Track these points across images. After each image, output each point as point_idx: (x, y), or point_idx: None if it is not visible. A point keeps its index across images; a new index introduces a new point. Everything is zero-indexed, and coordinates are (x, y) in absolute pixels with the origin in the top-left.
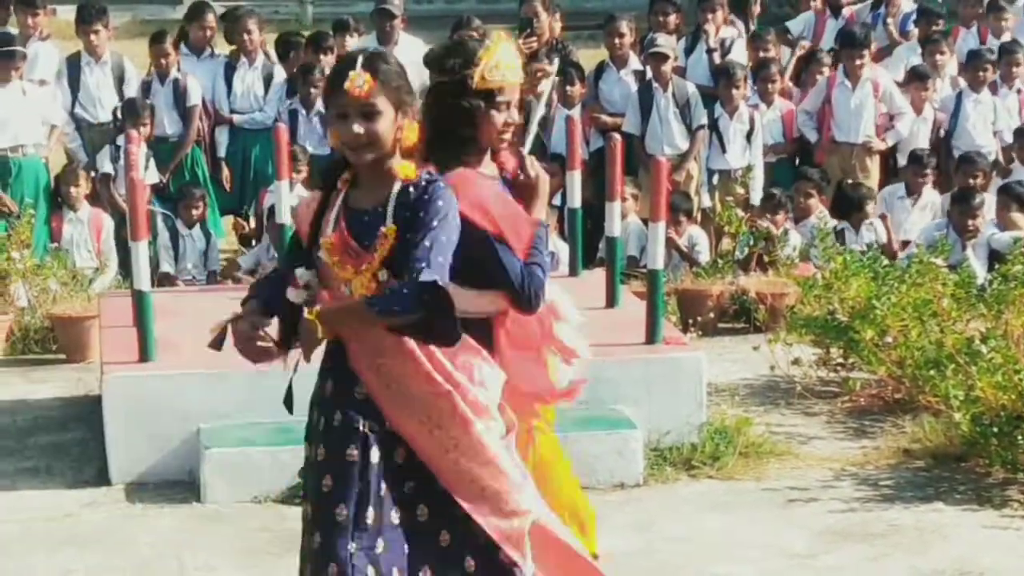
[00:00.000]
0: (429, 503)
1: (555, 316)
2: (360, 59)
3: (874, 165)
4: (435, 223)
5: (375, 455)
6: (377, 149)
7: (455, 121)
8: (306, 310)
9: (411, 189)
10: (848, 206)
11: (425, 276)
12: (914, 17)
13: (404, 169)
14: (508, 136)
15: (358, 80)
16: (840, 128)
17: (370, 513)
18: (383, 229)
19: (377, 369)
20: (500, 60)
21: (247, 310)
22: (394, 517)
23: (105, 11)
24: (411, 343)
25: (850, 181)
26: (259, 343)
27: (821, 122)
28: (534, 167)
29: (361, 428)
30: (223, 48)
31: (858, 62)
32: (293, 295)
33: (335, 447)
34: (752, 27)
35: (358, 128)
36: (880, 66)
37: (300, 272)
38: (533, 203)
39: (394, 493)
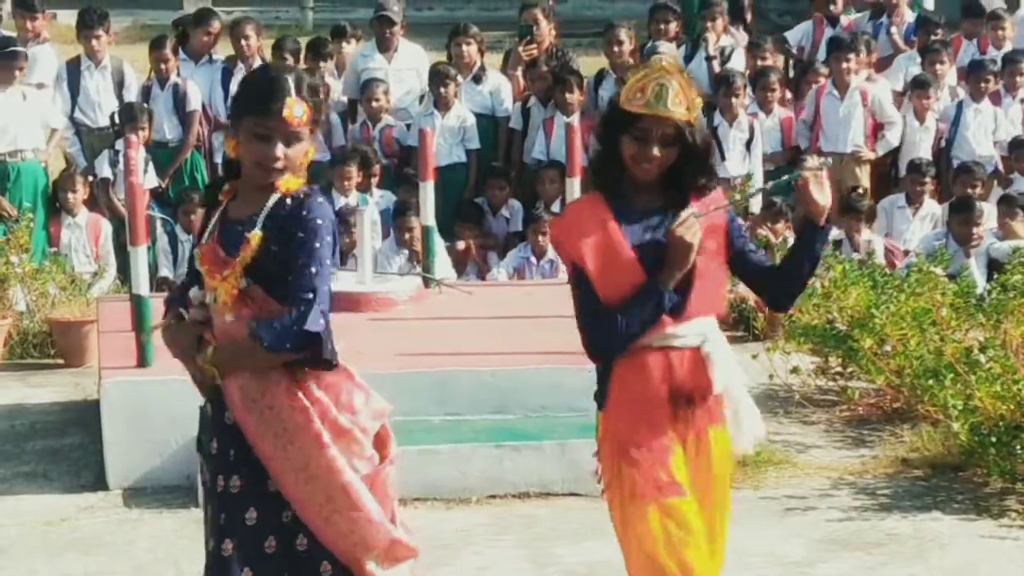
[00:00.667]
0: (308, 532)
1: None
2: (293, 83)
3: (864, 175)
4: (317, 243)
5: (236, 482)
6: (288, 172)
7: (597, 140)
8: (199, 358)
9: (288, 201)
10: (850, 213)
11: (311, 323)
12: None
13: (286, 182)
14: (646, 170)
15: (297, 109)
16: (828, 138)
17: (228, 544)
18: (247, 235)
19: (241, 384)
20: (647, 86)
21: (181, 332)
22: (268, 546)
23: (107, 16)
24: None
25: (860, 190)
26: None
27: (813, 132)
28: (682, 227)
29: (230, 457)
30: (223, 54)
31: (844, 65)
32: (190, 315)
33: (212, 476)
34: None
35: (279, 153)
36: (881, 76)
37: (194, 292)
38: (666, 264)
39: (269, 522)
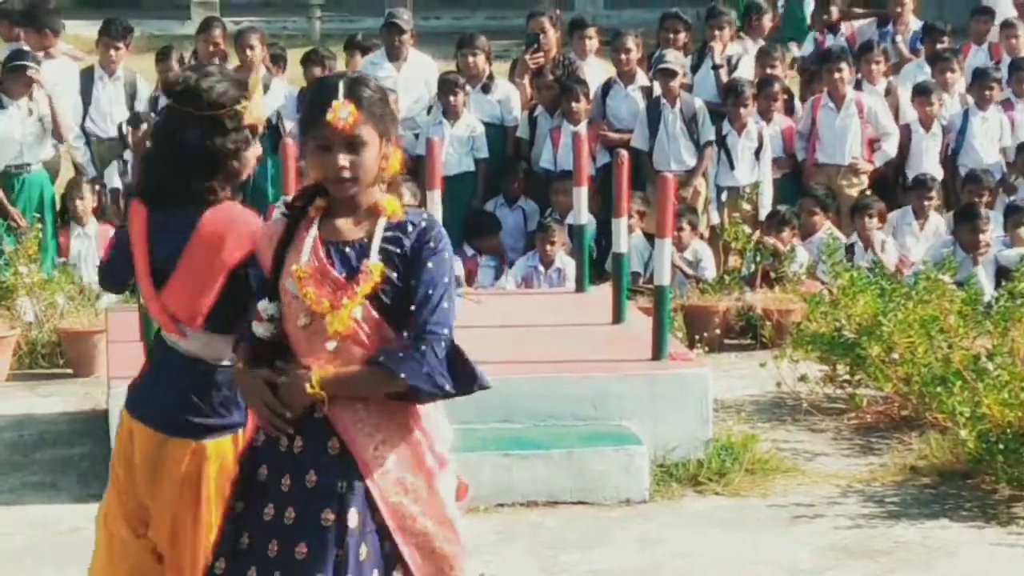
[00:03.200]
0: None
1: None
2: (341, 86)
3: (862, 184)
4: (446, 278)
5: (353, 519)
6: (362, 182)
7: None
8: (306, 385)
9: (408, 228)
10: (860, 211)
11: (479, 371)
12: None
13: (391, 205)
14: None
15: (342, 112)
16: (824, 150)
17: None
18: (367, 264)
19: (355, 418)
20: None
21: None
22: None
23: (131, 30)
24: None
25: (868, 191)
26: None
27: (809, 143)
28: None
29: (339, 489)
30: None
31: (836, 76)
32: (259, 329)
33: (310, 510)
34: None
35: (343, 161)
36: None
37: (263, 305)
38: None
39: (375, 555)
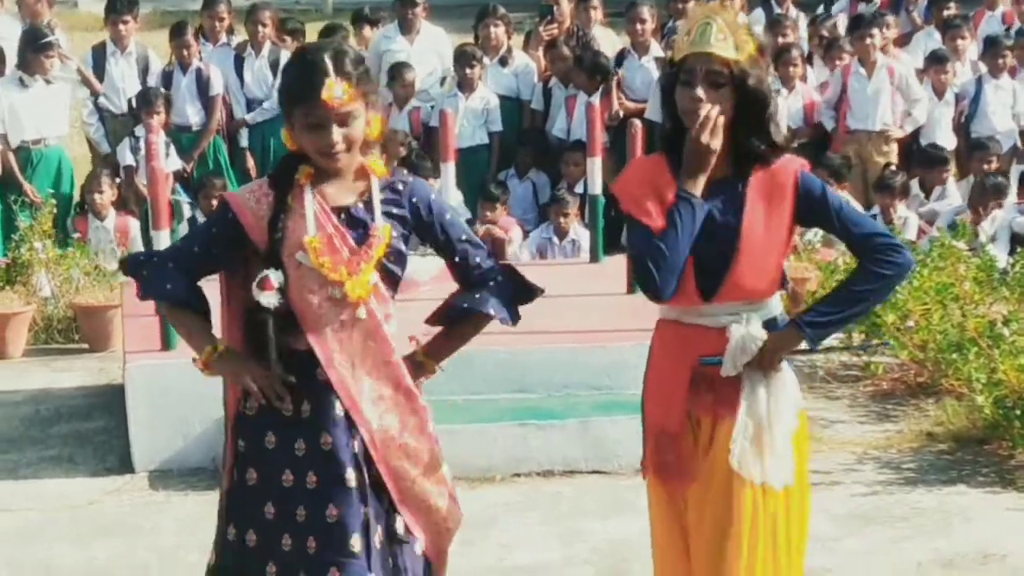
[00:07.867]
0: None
1: None
2: (329, 63)
3: (891, 152)
4: (456, 215)
5: (366, 476)
6: (353, 153)
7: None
8: (416, 353)
9: (399, 186)
10: (884, 190)
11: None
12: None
13: (376, 165)
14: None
15: (336, 90)
16: (856, 117)
17: (377, 538)
18: (376, 228)
19: (359, 387)
20: (692, 28)
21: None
22: (376, 541)
23: (136, 3)
24: (396, 355)
25: (893, 167)
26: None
27: (838, 111)
28: (704, 130)
29: (353, 448)
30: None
31: (868, 42)
32: (265, 298)
33: (331, 472)
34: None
35: (337, 136)
36: (903, 51)
37: (273, 275)
38: (683, 168)
39: (376, 508)
